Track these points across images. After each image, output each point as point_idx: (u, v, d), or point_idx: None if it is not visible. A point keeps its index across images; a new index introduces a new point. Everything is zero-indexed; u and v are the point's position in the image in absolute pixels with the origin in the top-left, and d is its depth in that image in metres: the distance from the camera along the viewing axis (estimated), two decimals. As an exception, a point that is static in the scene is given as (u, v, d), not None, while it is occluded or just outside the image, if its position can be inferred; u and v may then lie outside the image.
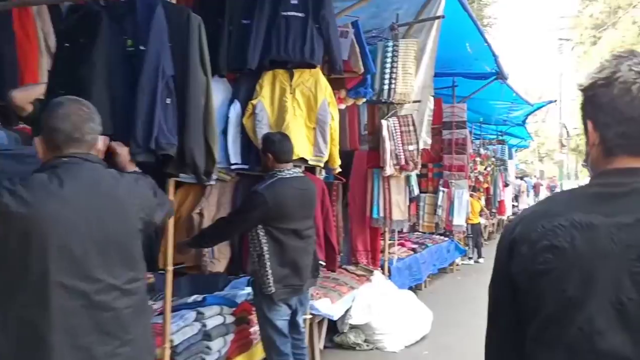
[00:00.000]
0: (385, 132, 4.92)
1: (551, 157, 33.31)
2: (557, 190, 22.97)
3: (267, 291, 2.64)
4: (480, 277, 7.85)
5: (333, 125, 3.52)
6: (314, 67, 3.49)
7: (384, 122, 4.95)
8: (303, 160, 3.42)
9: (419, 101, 5.08)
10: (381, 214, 5.04)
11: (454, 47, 6.69)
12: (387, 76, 4.96)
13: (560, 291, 0.86)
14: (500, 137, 13.52)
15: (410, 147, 4.96)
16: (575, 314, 0.85)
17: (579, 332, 0.84)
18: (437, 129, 8.17)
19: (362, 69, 3.56)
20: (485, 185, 10.33)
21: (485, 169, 9.94)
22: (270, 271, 2.65)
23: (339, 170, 3.63)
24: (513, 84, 8.70)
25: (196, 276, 3.53)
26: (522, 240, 0.92)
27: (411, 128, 4.99)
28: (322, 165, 3.53)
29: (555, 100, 9.27)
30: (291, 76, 3.36)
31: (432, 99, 5.27)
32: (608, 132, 0.92)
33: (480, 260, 9.00)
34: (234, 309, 3.20)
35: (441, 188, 7.97)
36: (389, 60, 4.97)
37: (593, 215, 0.86)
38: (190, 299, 3.25)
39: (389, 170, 4.87)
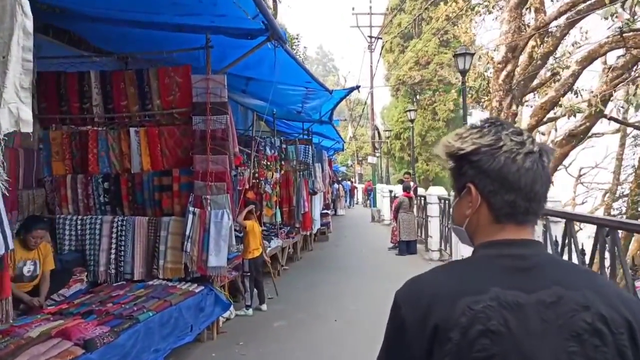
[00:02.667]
0: None
1: (369, 162, 33.76)
2: (372, 193, 22.62)
3: None
4: (259, 342, 5.10)
5: None
6: None
7: None
8: None
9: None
10: None
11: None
12: None
13: None
14: (306, 136, 11.34)
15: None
16: None
17: None
18: (185, 114, 5.23)
19: None
20: (275, 199, 7.77)
21: (272, 176, 7.35)
22: None
23: None
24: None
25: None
26: (449, 325, 0.86)
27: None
28: None
29: (359, 87, 7.10)
30: None
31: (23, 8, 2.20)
32: (495, 199, 0.94)
33: (264, 307, 6.30)
34: None
35: (190, 208, 5.02)
36: None
37: (513, 292, 0.86)
38: None
39: None
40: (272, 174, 7.38)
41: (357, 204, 32.72)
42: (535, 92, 14.84)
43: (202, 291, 4.99)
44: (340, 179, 30.28)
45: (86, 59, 5.44)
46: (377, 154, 22.80)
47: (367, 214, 20.73)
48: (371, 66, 20.22)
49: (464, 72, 8.70)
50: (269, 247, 7.76)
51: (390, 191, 16.35)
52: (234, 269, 6.30)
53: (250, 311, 6.11)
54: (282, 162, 8.42)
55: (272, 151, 7.51)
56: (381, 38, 22.25)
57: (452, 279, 0.93)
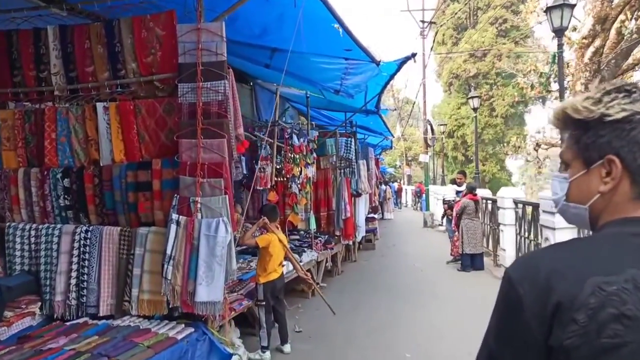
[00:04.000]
0: None
1: (419, 162, 31.60)
2: (424, 196, 20.58)
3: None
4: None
5: None
6: None
7: None
8: None
9: None
10: None
11: None
12: None
13: None
14: (349, 129, 9.65)
15: None
16: None
17: None
18: (169, 81, 3.72)
19: None
20: (304, 202, 6.11)
21: (301, 173, 5.71)
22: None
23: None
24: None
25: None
26: (574, 305, 0.74)
27: None
28: None
29: (415, 54, 5.36)
30: None
31: None
32: None
33: (286, 347, 4.68)
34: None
35: (173, 215, 3.48)
36: None
37: None
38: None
39: None
40: (301, 170, 5.73)
41: (405, 206, 30.64)
42: (621, 75, 12.44)
43: (190, 336, 3.44)
44: (388, 179, 28.35)
45: (44, 10, 4.03)
46: (430, 153, 20.71)
47: (417, 218, 18.74)
48: (423, 54, 18.24)
49: (560, 31, 6.65)
50: (300, 262, 6.14)
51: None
52: (247, 295, 4.73)
53: (267, 355, 4.49)
54: (315, 155, 6.71)
55: (302, 139, 5.85)
56: (435, 22, 20.10)
57: (575, 256, 0.80)
